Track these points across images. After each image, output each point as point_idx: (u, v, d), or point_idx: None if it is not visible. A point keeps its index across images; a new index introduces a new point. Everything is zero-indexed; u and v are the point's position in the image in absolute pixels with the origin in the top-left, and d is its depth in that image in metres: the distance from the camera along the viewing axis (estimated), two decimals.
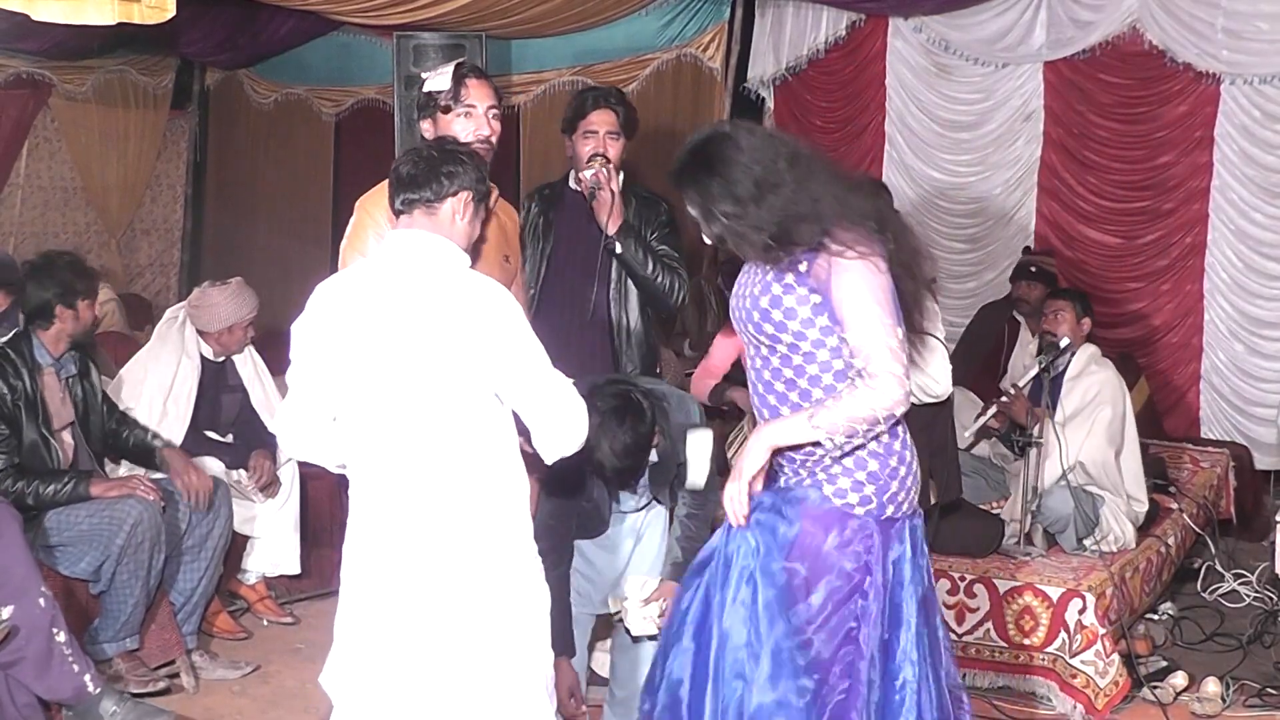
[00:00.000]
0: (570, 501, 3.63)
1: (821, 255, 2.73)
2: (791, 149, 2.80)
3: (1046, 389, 4.76)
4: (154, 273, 8.94)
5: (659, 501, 3.78)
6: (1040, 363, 4.83)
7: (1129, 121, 6.57)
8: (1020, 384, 4.94)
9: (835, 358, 2.78)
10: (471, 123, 3.34)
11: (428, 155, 2.89)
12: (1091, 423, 4.77)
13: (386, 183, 3.37)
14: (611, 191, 4.00)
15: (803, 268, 2.75)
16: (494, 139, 3.35)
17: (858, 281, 2.70)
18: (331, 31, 8.19)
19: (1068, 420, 4.75)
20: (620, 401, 3.39)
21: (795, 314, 2.76)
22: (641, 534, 3.82)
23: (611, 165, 4.03)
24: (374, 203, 3.35)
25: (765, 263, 2.78)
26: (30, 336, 4.31)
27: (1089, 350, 4.98)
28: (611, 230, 4.01)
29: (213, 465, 4.80)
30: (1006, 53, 6.78)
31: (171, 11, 3.92)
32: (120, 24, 3.86)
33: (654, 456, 3.57)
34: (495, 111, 3.36)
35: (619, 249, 4.03)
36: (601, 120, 4.08)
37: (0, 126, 7.75)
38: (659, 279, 4.08)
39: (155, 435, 4.54)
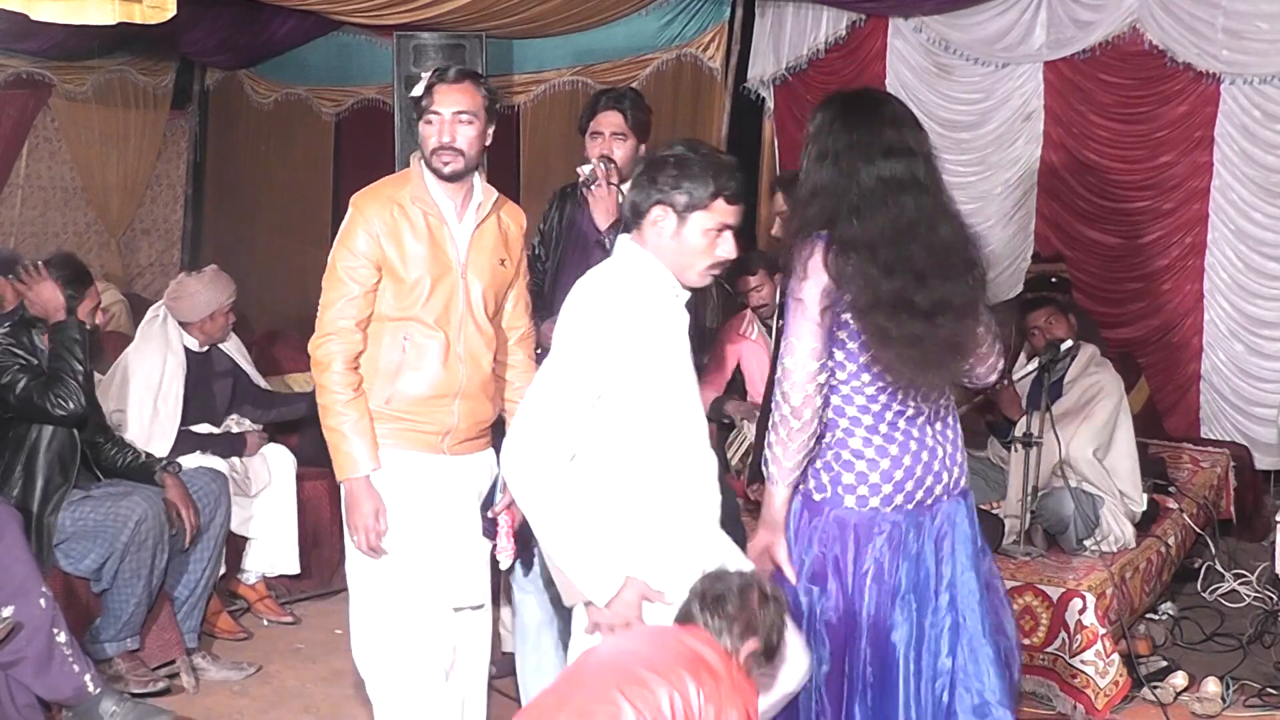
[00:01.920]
0: None
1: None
2: (900, 171, 2.82)
3: (1046, 390, 4.75)
4: (154, 273, 8.95)
5: None
6: (1041, 360, 4.83)
7: (1129, 121, 6.57)
8: (1015, 378, 4.93)
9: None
10: (433, 129, 3.28)
11: (642, 164, 2.85)
12: (1082, 420, 4.76)
13: (382, 181, 3.38)
14: (609, 186, 4.01)
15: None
16: (459, 145, 3.25)
17: (796, 294, 2.83)
18: (331, 31, 8.19)
19: (1062, 418, 4.75)
20: None
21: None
22: None
23: (614, 164, 4.04)
24: (367, 200, 3.33)
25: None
26: (32, 331, 4.31)
27: (1088, 351, 4.97)
28: (603, 227, 4.02)
29: (218, 465, 4.81)
30: (1006, 53, 6.79)
31: (172, 11, 3.93)
32: (120, 24, 3.86)
33: None
34: (466, 116, 3.25)
35: (608, 245, 4.03)
36: (607, 122, 4.11)
37: (0, 126, 7.75)
38: None
39: (149, 455, 4.54)
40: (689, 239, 2.73)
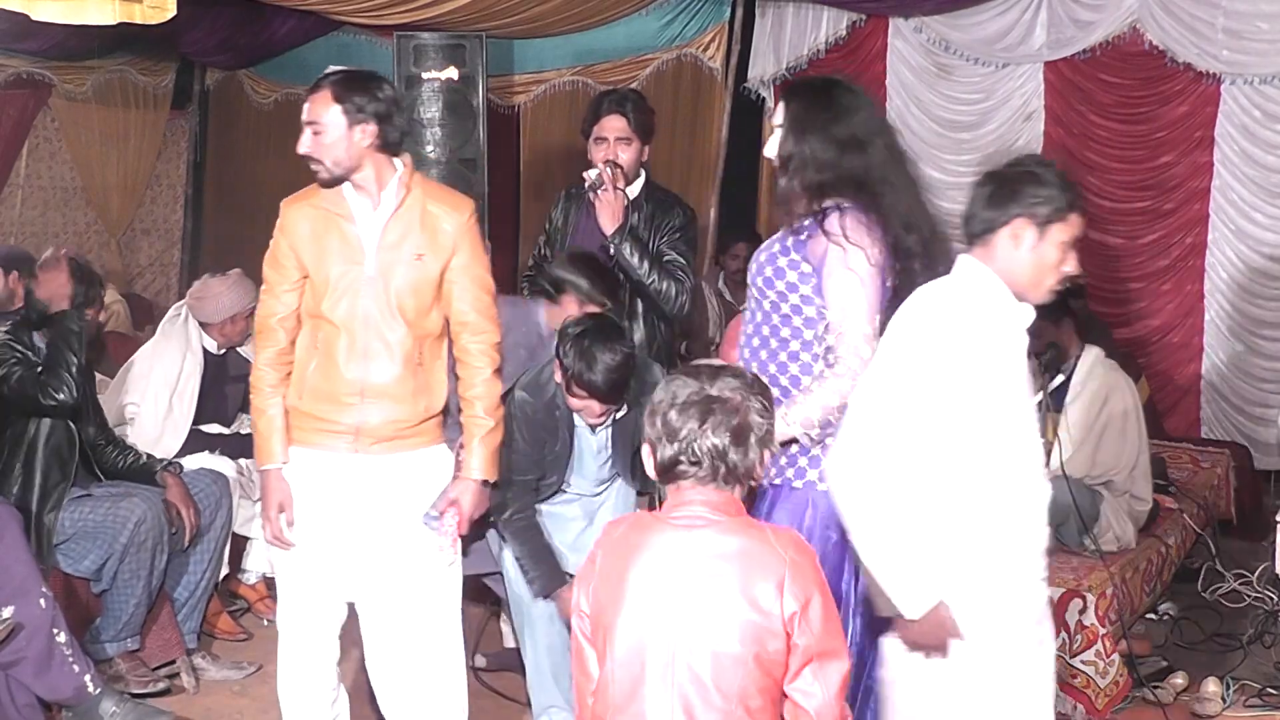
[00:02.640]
0: (535, 451, 3.73)
1: (820, 233, 2.88)
2: (893, 141, 3.01)
3: (1047, 391, 4.77)
4: (154, 273, 8.95)
5: (620, 476, 3.85)
6: (1039, 374, 4.86)
7: (1129, 121, 6.57)
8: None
9: (819, 342, 2.94)
10: None
11: (977, 184, 2.76)
12: (1102, 431, 4.78)
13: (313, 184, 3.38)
14: (616, 191, 4.02)
15: (803, 236, 2.92)
16: (315, 153, 3.27)
17: (844, 264, 2.86)
18: (331, 31, 8.19)
19: (1076, 426, 4.76)
20: (595, 322, 3.59)
21: (796, 289, 2.93)
22: (594, 518, 3.89)
23: (620, 169, 4.05)
24: (289, 203, 3.39)
25: (787, 210, 2.95)
26: (33, 331, 4.32)
27: (1092, 354, 4.97)
28: (608, 231, 4.03)
29: (225, 465, 4.83)
30: (1007, 53, 6.79)
31: (172, 11, 3.94)
32: (120, 24, 3.87)
33: (622, 406, 3.69)
34: (314, 126, 3.27)
35: (614, 250, 4.05)
36: (611, 126, 4.12)
37: (0, 126, 7.75)
38: (655, 284, 4.08)
39: (150, 456, 4.54)
40: (1047, 252, 2.67)
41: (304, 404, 3.32)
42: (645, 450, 2.29)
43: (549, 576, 3.76)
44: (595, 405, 3.63)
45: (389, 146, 3.28)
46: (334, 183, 3.28)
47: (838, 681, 2.20)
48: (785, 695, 2.22)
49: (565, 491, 3.88)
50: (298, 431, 3.34)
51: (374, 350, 3.27)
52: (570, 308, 3.92)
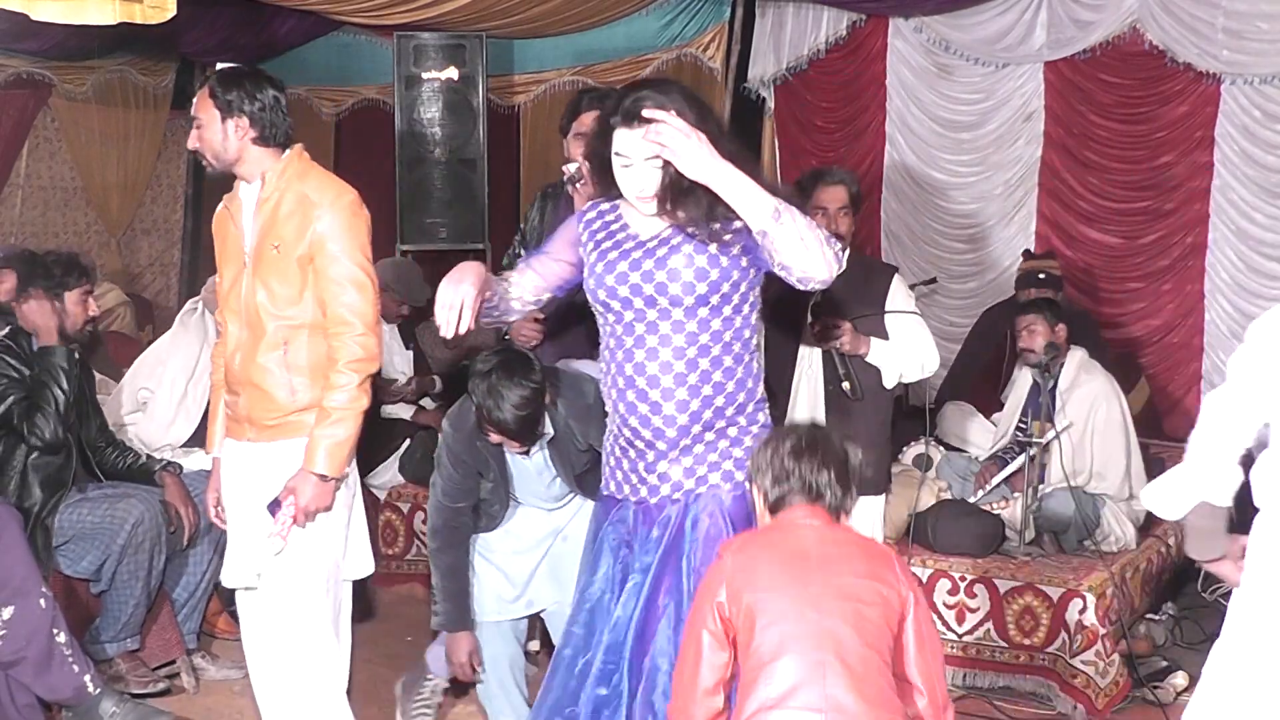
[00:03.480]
0: (465, 480, 3.69)
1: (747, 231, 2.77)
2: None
3: (1045, 401, 4.77)
4: (154, 273, 8.92)
5: (582, 494, 3.73)
6: (1035, 375, 4.86)
7: (1129, 121, 6.57)
8: (988, 452, 5.01)
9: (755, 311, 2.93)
10: None
11: None
12: (1092, 435, 4.77)
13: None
14: (594, 185, 4.01)
15: (728, 238, 2.81)
16: (200, 147, 3.43)
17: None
18: (331, 31, 8.18)
19: (1069, 432, 4.75)
20: (503, 357, 3.48)
21: (729, 276, 2.83)
22: (566, 534, 3.82)
23: None
24: (222, 199, 3.56)
25: (703, 213, 2.79)
26: (30, 337, 4.30)
27: (1076, 357, 4.96)
28: None
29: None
30: (1007, 53, 6.78)
31: (172, 11, 3.92)
32: (120, 24, 3.87)
33: (549, 429, 3.58)
34: (195, 121, 3.43)
35: None
36: (590, 121, 4.10)
37: (0, 126, 7.74)
38: None
39: (149, 458, 4.54)
40: None
41: (226, 396, 3.52)
42: (756, 496, 2.62)
43: (453, 616, 3.76)
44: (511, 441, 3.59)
45: (267, 140, 3.41)
46: (223, 174, 3.46)
47: (940, 661, 2.55)
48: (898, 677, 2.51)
49: (518, 504, 3.82)
50: (227, 422, 3.54)
51: (246, 341, 3.38)
52: None
